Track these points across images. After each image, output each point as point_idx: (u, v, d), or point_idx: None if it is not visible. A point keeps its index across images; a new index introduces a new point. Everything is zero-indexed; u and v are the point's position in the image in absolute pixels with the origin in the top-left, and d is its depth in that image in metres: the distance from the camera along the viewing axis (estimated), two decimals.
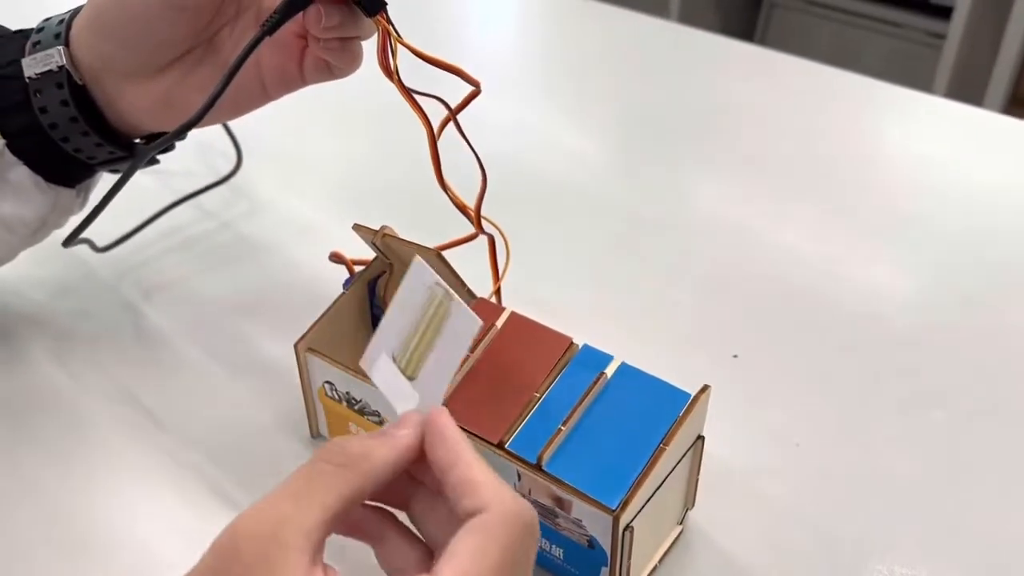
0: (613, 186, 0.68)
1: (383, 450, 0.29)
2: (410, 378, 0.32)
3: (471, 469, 0.29)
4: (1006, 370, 0.51)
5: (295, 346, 0.43)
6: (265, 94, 0.45)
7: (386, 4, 0.40)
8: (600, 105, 0.80)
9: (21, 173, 0.45)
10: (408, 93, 0.40)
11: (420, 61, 0.39)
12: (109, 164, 0.47)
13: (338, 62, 0.43)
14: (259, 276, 0.58)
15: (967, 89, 1.90)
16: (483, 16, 1.01)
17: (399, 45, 0.40)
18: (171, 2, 0.41)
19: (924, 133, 0.76)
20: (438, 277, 0.32)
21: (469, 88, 0.40)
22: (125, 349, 0.52)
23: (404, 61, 0.40)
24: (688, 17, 2.14)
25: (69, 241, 0.49)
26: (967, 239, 0.62)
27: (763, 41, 2.34)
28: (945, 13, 1.90)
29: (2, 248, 0.48)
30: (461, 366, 0.37)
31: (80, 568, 0.41)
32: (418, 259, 0.33)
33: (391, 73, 0.40)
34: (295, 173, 0.69)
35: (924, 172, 0.70)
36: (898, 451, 0.46)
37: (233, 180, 0.65)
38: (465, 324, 0.31)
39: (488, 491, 0.28)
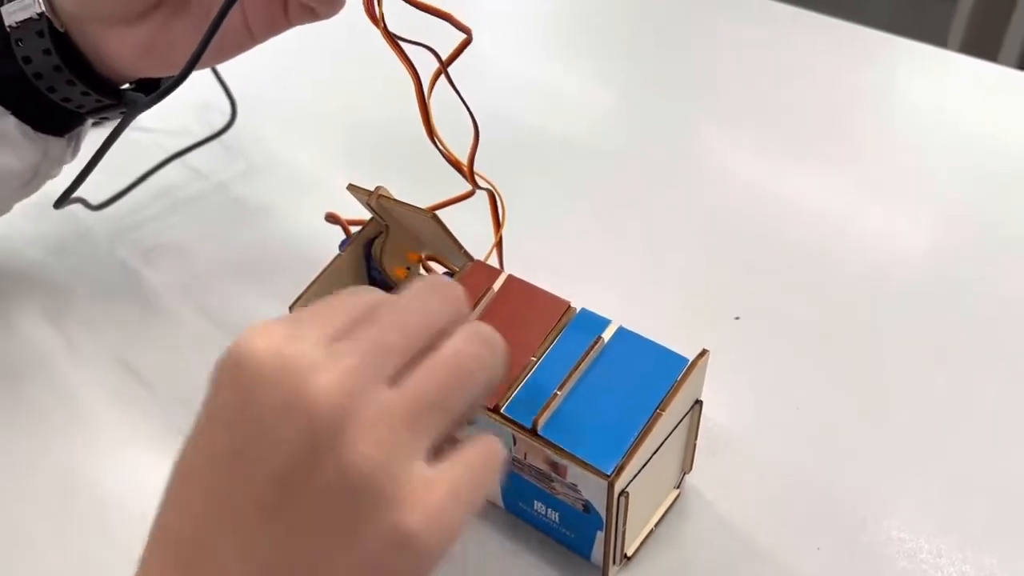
0: (614, 142, 0.67)
1: None
2: None
3: None
4: (1009, 330, 0.51)
5: (290, 308, 0.42)
6: (251, 37, 0.45)
7: None
8: (603, 57, 0.79)
9: (8, 123, 0.44)
10: (395, 42, 0.39)
11: (409, 6, 0.38)
12: (98, 112, 0.47)
13: (320, 5, 0.43)
14: (254, 235, 0.57)
15: (982, 42, 1.86)
16: None
17: None
18: None
19: (935, 88, 0.74)
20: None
21: (461, 36, 0.39)
22: (118, 310, 0.52)
23: (392, 4, 0.39)
24: None
25: (61, 202, 0.48)
26: (975, 197, 0.61)
27: None
28: None
29: None
30: None
31: (75, 534, 0.41)
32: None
33: (376, 20, 0.39)
34: (291, 127, 0.68)
35: (933, 128, 0.69)
36: (899, 413, 0.46)
37: (228, 134, 0.65)
38: None
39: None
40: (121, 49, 0.44)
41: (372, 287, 0.28)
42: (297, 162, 0.64)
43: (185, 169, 0.62)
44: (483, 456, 0.26)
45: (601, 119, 0.70)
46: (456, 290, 0.28)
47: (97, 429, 0.45)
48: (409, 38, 0.39)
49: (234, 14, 0.42)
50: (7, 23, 0.43)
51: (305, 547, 0.25)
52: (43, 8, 0.42)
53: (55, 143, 0.47)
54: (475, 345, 0.27)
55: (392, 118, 0.67)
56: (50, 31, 0.42)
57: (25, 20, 0.42)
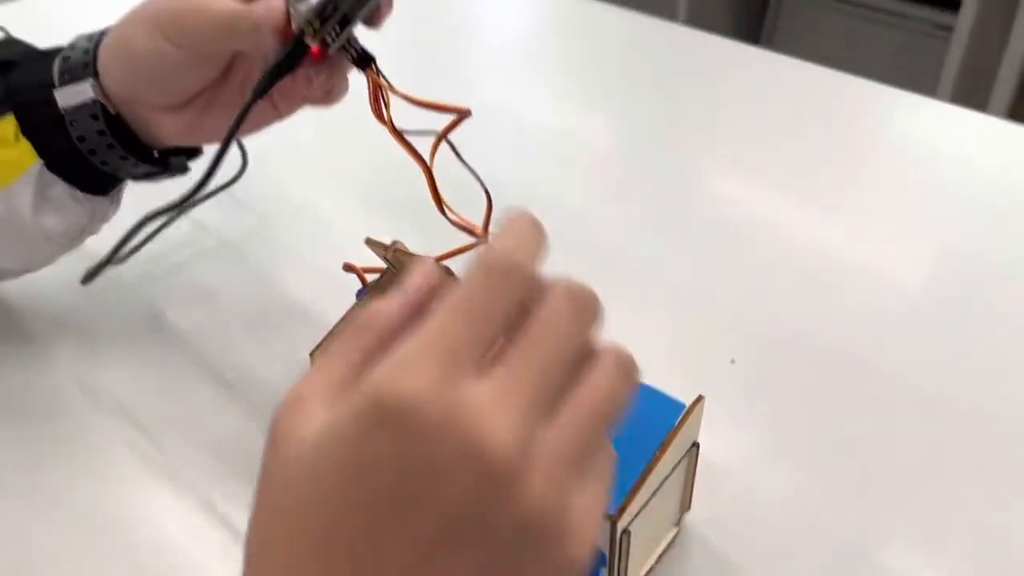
0: (614, 192, 0.70)
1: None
2: None
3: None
4: (1002, 370, 0.53)
5: (310, 355, 0.45)
6: (277, 112, 0.48)
7: (374, 58, 0.42)
8: (605, 109, 0.82)
9: (60, 189, 0.47)
10: (402, 139, 0.42)
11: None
12: (142, 177, 0.50)
13: (333, 100, 0.47)
14: (271, 284, 0.60)
15: (975, 82, 1.90)
16: (491, 17, 1.02)
17: (391, 95, 0.42)
18: (190, 63, 0.44)
19: (926, 136, 0.77)
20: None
21: (472, 103, 0.41)
22: (137, 357, 0.54)
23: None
24: (698, 8, 2.15)
25: (89, 278, 0.51)
26: (966, 243, 0.64)
27: (773, 32, 2.34)
28: (953, 5, 1.90)
29: (43, 256, 0.50)
30: None
31: (98, 567, 0.43)
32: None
33: (384, 121, 0.42)
34: (302, 175, 0.70)
35: (924, 175, 0.72)
36: (893, 453, 0.48)
37: (239, 184, 0.67)
38: None
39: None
40: (167, 129, 0.47)
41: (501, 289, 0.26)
42: (311, 210, 0.66)
43: (197, 216, 0.65)
44: (611, 469, 0.28)
45: (602, 171, 0.73)
46: (594, 298, 0.28)
47: (120, 467, 0.48)
48: (415, 128, 0.42)
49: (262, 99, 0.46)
50: (61, 105, 0.46)
51: None
52: (96, 95, 0.45)
53: (101, 202, 0.50)
54: (623, 381, 0.28)
55: (407, 164, 0.70)
56: (103, 113, 0.46)
57: (79, 104, 0.45)
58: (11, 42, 0.50)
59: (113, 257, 0.49)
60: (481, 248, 0.27)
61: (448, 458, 0.24)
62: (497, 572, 0.25)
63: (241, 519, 0.30)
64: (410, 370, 0.25)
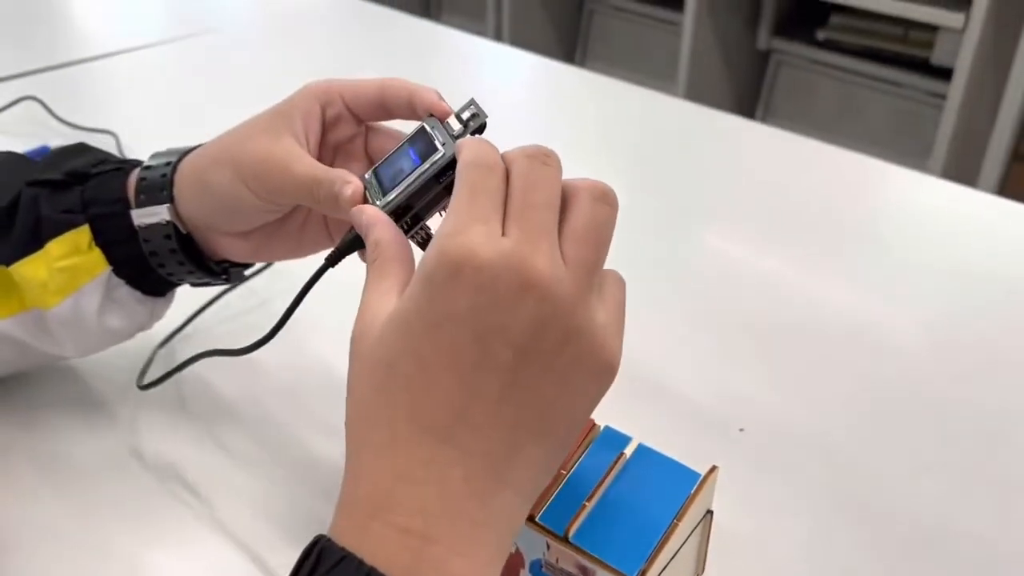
0: (613, 262, 0.72)
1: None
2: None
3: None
4: (999, 435, 0.56)
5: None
6: (331, 240, 0.51)
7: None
8: (606, 172, 0.85)
9: (124, 292, 0.50)
10: None
11: None
12: (200, 284, 0.53)
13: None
14: (310, 348, 0.62)
15: (968, 147, 1.96)
16: (488, 89, 1.07)
17: None
18: (265, 208, 0.47)
19: (917, 208, 0.81)
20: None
21: None
22: (183, 418, 0.57)
23: None
24: (697, 76, 2.21)
25: (147, 387, 0.54)
26: (961, 311, 0.67)
27: (770, 97, 2.40)
28: (946, 74, 1.96)
29: (102, 345, 0.53)
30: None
31: None
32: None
33: None
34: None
35: (918, 247, 0.75)
36: (902, 515, 0.50)
37: (275, 266, 0.70)
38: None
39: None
40: (233, 251, 0.50)
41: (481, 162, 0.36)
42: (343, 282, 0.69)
43: (241, 288, 0.68)
44: (621, 290, 0.38)
45: None
46: (548, 150, 0.37)
47: (170, 522, 0.50)
48: None
49: (317, 222, 0.51)
50: (136, 223, 0.49)
51: (539, 394, 0.34)
52: (171, 217, 0.48)
53: (160, 303, 0.53)
54: (601, 202, 0.36)
55: None
56: (176, 234, 0.49)
57: (153, 224, 0.48)
58: (82, 149, 0.53)
59: (172, 375, 0.52)
60: (464, 151, 0.37)
61: (509, 293, 0.33)
62: (559, 382, 0.34)
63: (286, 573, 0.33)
64: (464, 233, 0.33)
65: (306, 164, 0.44)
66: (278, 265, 0.69)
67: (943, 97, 1.96)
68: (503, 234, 0.34)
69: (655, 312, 0.67)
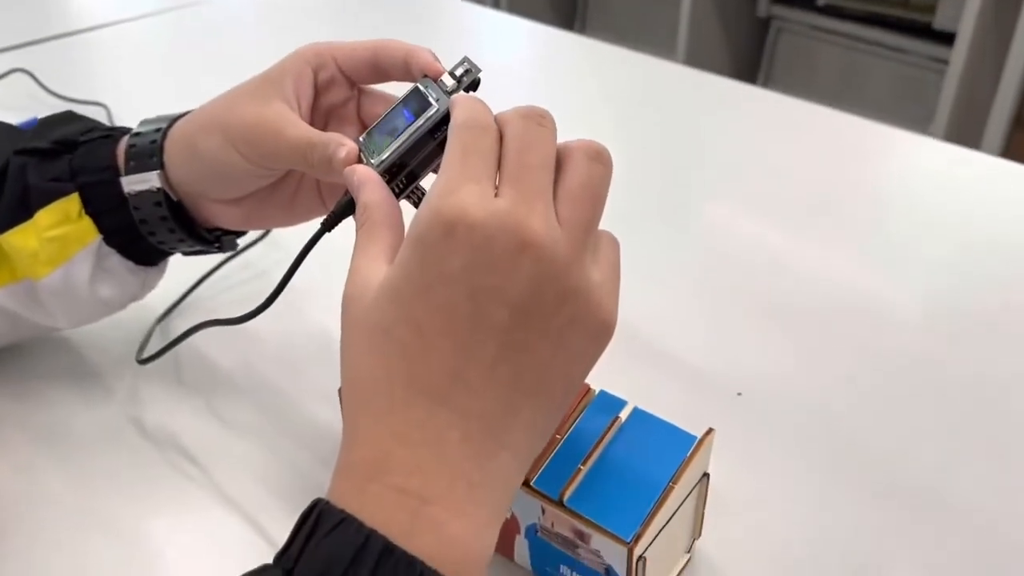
0: (613, 227, 0.72)
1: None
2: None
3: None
4: (1002, 401, 0.55)
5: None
6: (326, 208, 0.50)
7: None
8: (607, 137, 0.85)
9: (115, 261, 0.50)
10: None
11: None
12: (194, 253, 0.53)
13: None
14: (309, 315, 0.62)
15: (970, 113, 1.94)
16: (487, 57, 1.06)
17: None
18: (256, 173, 0.46)
19: (919, 172, 0.80)
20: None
21: None
22: (181, 388, 0.57)
23: None
24: (696, 45, 2.19)
25: (146, 360, 0.53)
26: (970, 278, 0.66)
27: (770, 65, 2.38)
28: (948, 39, 1.94)
29: (94, 316, 0.53)
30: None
31: None
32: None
33: None
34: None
35: (920, 209, 0.74)
36: (900, 488, 0.50)
37: (271, 236, 0.69)
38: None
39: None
40: (225, 218, 0.50)
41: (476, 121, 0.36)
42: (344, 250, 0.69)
43: (238, 257, 0.67)
44: (616, 250, 0.37)
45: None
46: (543, 110, 0.36)
47: (169, 491, 0.50)
48: None
49: (310, 188, 0.50)
50: (126, 190, 0.48)
51: (535, 356, 0.34)
52: (161, 184, 0.48)
53: (152, 273, 0.53)
54: (595, 161, 0.36)
55: None
56: (167, 201, 0.48)
57: (143, 191, 0.48)
58: (71, 117, 0.52)
59: (171, 348, 0.52)
60: (457, 110, 0.36)
61: (504, 254, 0.32)
62: (555, 342, 0.34)
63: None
64: (456, 193, 0.33)
65: (298, 128, 0.44)
66: (274, 236, 0.69)
67: (945, 63, 1.94)
68: (497, 195, 0.34)
69: (653, 277, 0.67)
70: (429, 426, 0.33)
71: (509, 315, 0.33)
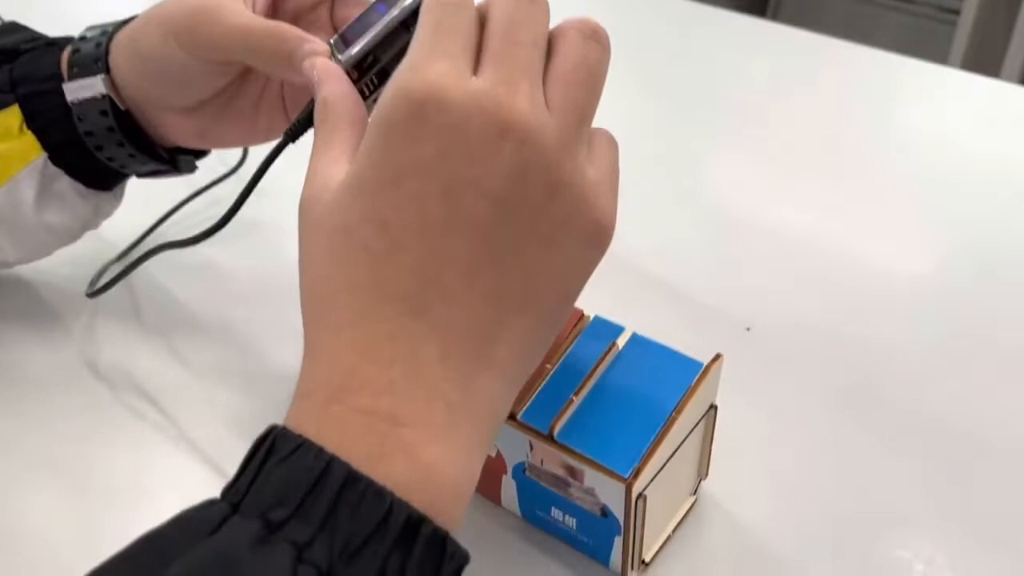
0: (625, 159, 0.68)
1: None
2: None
3: None
4: (1017, 342, 0.51)
5: None
6: (289, 121, 0.46)
7: None
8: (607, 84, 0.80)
9: (63, 183, 0.46)
10: None
11: None
12: (148, 175, 0.48)
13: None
14: (278, 261, 0.57)
15: (982, 65, 1.88)
16: None
17: None
18: (200, 71, 0.42)
19: (938, 106, 0.75)
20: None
21: None
22: (143, 333, 0.53)
23: None
24: None
25: (95, 293, 0.49)
26: (983, 213, 0.62)
27: (775, 16, 2.32)
28: None
29: (42, 248, 0.49)
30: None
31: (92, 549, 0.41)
32: None
33: None
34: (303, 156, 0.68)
35: (939, 145, 0.70)
36: (912, 426, 0.46)
37: (242, 171, 0.65)
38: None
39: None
40: (177, 131, 0.46)
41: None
42: None
43: (202, 205, 0.62)
44: (614, 149, 0.32)
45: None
46: None
47: (133, 437, 0.46)
48: None
49: (273, 99, 0.46)
50: (69, 99, 0.44)
51: (522, 259, 0.29)
52: (107, 90, 0.43)
53: (105, 198, 0.48)
54: (590, 40, 0.31)
55: None
56: (112, 109, 0.44)
57: (88, 98, 0.44)
58: (14, 28, 0.48)
59: (125, 275, 0.47)
60: None
61: (482, 139, 0.28)
62: (544, 243, 0.29)
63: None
64: (426, 68, 0.29)
65: (239, 16, 0.40)
66: (244, 172, 0.64)
67: (956, 13, 1.89)
68: (476, 75, 0.29)
69: (657, 210, 0.62)
70: (401, 339, 0.28)
71: (490, 209, 0.28)
